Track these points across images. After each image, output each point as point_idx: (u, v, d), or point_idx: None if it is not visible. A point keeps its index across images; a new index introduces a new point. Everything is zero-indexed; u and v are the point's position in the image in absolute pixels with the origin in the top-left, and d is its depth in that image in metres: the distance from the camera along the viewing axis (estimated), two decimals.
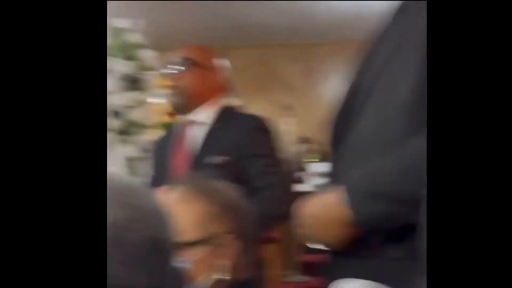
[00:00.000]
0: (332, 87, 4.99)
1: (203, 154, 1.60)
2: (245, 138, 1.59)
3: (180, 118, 1.75)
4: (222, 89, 1.74)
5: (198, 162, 1.59)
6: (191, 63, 1.67)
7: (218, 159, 1.55)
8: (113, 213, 0.52)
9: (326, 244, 0.89)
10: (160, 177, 1.63)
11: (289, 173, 4.15)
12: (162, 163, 1.69)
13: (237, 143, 1.58)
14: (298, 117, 4.57)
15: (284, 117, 4.18)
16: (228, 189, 1.02)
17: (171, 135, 1.75)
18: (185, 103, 1.67)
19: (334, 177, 0.95)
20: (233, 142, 1.58)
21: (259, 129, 1.64)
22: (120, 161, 2.32)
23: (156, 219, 0.56)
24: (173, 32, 4.66)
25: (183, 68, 1.67)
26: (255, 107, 4.89)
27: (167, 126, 2.54)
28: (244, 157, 1.56)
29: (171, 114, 2.74)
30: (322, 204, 0.88)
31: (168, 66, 1.71)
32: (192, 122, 1.68)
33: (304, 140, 4.45)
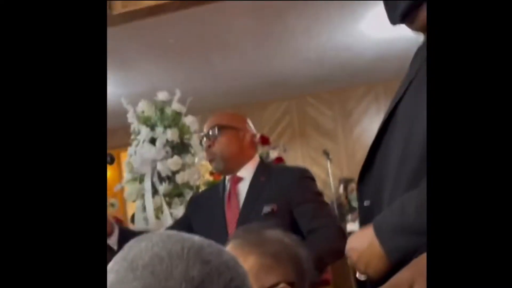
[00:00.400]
0: (366, 127, 5.09)
1: (252, 206, 1.73)
2: (293, 187, 1.70)
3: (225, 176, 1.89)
4: (255, 145, 1.91)
5: (249, 213, 1.71)
6: (222, 128, 1.83)
7: (268, 208, 1.68)
8: (190, 271, 0.55)
9: (368, 275, 0.95)
10: (210, 231, 1.76)
11: (338, 214, 4.21)
12: (212, 217, 1.81)
13: (285, 193, 1.70)
14: (337, 159, 4.67)
15: (324, 161, 4.28)
16: (281, 238, 1.01)
17: (215, 192, 1.88)
18: (227, 166, 1.82)
19: (366, 213, 1.03)
20: (282, 192, 1.70)
21: (305, 178, 1.76)
22: (171, 222, 2.46)
23: (229, 271, 0.58)
24: (211, 94, 4.92)
25: (216, 134, 1.82)
26: (296, 154, 5.05)
27: (212, 185, 2.70)
28: (295, 204, 1.68)
29: (213, 173, 2.91)
30: (360, 238, 0.96)
31: (203, 135, 1.87)
32: (237, 178, 1.82)
33: (347, 181, 4.53)
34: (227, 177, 1.86)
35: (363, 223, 1.05)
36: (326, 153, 3.98)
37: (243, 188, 1.80)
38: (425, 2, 0.91)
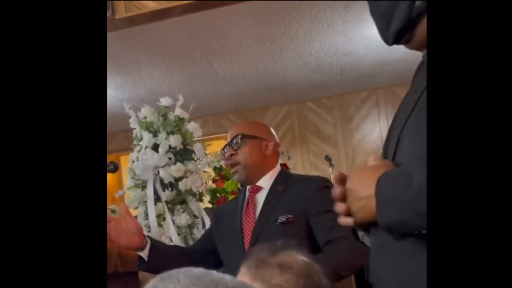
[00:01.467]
0: (367, 132, 5.07)
1: (268, 215, 1.70)
2: (311, 196, 1.68)
3: (241, 185, 1.88)
4: (278, 154, 1.88)
5: (264, 223, 1.70)
6: (246, 138, 1.81)
7: (284, 218, 1.66)
8: None
9: (355, 217, 0.93)
10: (227, 242, 1.76)
11: None
12: (229, 228, 1.79)
13: (303, 202, 1.67)
14: (337, 165, 4.64)
15: (324, 166, 4.26)
16: (295, 261, 0.99)
17: (236, 203, 1.86)
18: (248, 176, 1.80)
19: None
20: (299, 201, 1.68)
21: (324, 187, 1.72)
22: (174, 229, 2.44)
23: None
24: (212, 98, 4.90)
25: (239, 143, 1.80)
26: (296, 159, 5.02)
27: (215, 192, 2.67)
28: (312, 214, 1.65)
29: (216, 181, 2.89)
30: (365, 184, 0.90)
31: (226, 144, 1.85)
32: (256, 188, 1.81)
33: None
34: (248, 187, 1.84)
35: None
36: (329, 159, 3.95)
37: (261, 198, 1.78)
38: (420, 21, 0.90)
